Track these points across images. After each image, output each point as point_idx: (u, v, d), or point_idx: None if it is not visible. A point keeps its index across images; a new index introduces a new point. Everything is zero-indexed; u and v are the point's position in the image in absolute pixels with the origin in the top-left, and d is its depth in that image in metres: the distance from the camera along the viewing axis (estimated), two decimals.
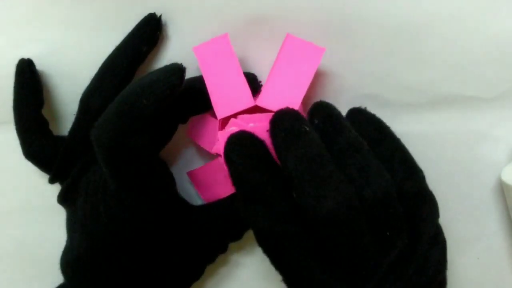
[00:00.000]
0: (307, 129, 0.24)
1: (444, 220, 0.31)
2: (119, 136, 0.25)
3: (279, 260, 0.24)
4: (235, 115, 0.28)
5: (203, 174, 0.32)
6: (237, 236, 0.31)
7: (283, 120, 0.24)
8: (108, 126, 0.25)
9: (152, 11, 0.30)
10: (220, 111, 0.28)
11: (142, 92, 0.25)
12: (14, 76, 0.31)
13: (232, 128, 0.28)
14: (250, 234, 0.31)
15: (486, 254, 0.31)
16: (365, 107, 0.28)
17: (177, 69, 0.25)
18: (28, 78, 0.31)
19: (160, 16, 0.30)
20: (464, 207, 0.31)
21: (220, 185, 0.31)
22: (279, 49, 0.28)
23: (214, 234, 0.30)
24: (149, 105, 0.25)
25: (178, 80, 0.25)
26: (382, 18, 0.29)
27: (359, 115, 0.27)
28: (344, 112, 0.28)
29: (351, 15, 0.30)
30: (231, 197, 0.31)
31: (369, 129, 0.27)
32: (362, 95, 0.31)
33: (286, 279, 0.25)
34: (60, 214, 0.32)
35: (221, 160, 0.30)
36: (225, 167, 0.30)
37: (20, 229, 0.35)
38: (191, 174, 0.32)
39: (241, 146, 0.24)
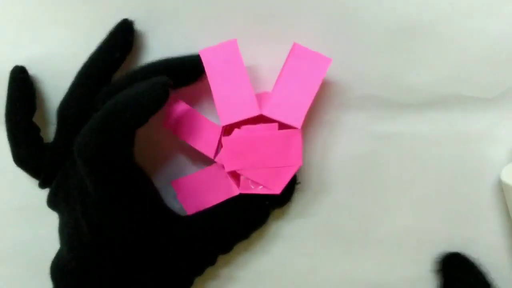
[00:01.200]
0: None
1: (445, 220, 0.31)
2: (102, 149, 0.25)
3: None
4: (238, 123, 0.28)
5: (188, 183, 0.32)
6: (226, 248, 0.30)
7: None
8: (91, 139, 0.25)
9: (150, 14, 0.30)
10: (224, 117, 0.28)
11: (126, 106, 0.25)
12: (7, 84, 0.31)
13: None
14: (240, 247, 0.31)
15: (486, 254, 0.31)
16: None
17: (162, 84, 0.25)
18: (20, 86, 0.31)
19: (133, 21, 0.30)
20: (464, 207, 0.31)
21: (205, 195, 0.31)
22: (286, 58, 0.28)
23: (203, 245, 0.29)
24: (133, 121, 0.25)
25: (163, 95, 0.25)
26: (382, 18, 0.29)
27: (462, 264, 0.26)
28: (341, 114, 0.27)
29: (351, 16, 0.30)
30: (218, 207, 0.30)
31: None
32: (362, 95, 0.31)
33: None
34: (56, 215, 0.31)
35: (217, 167, 0.29)
36: (215, 176, 0.29)
37: (17, 230, 0.35)
38: (175, 184, 0.32)
39: None
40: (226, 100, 0.28)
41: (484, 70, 0.29)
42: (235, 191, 0.30)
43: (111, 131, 0.25)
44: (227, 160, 0.28)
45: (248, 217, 0.30)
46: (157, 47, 0.31)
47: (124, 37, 0.30)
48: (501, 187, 0.30)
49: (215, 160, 0.30)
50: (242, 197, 0.29)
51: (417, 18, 0.29)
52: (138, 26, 0.31)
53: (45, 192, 0.32)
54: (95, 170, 0.26)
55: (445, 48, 0.29)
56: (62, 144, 0.30)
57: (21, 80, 0.31)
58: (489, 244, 0.31)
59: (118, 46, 0.30)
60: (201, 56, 0.28)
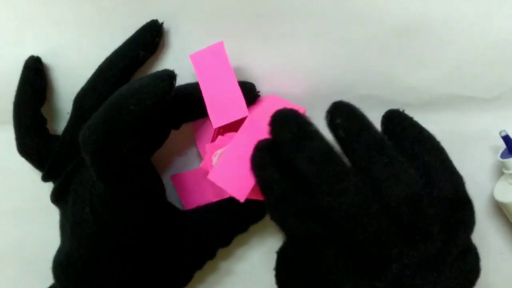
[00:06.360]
0: (315, 129, 0.24)
1: None
2: (105, 141, 0.25)
3: (318, 261, 0.24)
4: (230, 124, 0.28)
5: (188, 179, 0.32)
6: (225, 242, 0.31)
7: (289, 122, 0.24)
8: (95, 130, 0.25)
9: (152, 12, 0.31)
10: (215, 120, 0.28)
11: (130, 97, 0.25)
12: (20, 72, 0.31)
13: (218, 152, 0.27)
14: (239, 241, 0.31)
15: (486, 255, 0.31)
16: (403, 110, 0.27)
17: (167, 76, 0.25)
18: (32, 75, 0.31)
19: (162, 23, 0.31)
20: None
21: (204, 193, 0.31)
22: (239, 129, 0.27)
23: (202, 239, 0.30)
24: (137, 111, 0.25)
25: (167, 87, 0.25)
26: (382, 18, 0.30)
27: (397, 118, 0.27)
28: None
29: (351, 16, 0.30)
30: (219, 203, 0.30)
31: (408, 132, 0.26)
32: (362, 95, 0.31)
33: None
34: (57, 214, 0.32)
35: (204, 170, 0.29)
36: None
37: (18, 229, 0.35)
38: (174, 178, 0.32)
39: (267, 153, 0.24)
40: (216, 102, 0.28)
41: (484, 70, 0.30)
42: None
43: (115, 123, 0.25)
44: (211, 167, 0.28)
45: (247, 210, 0.30)
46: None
47: (150, 37, 0.30)
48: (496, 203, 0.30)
49: (201, 166, 0.29)
50: None
51: (417, 19, 0.29)
52: (137, 25, 0.31)
53: (44, 192, 0.32)
54: (98, 162, 0.26)
55: (445, 48, 0.30)
56: (74, 134, 0.30)
57: (33, 70, 0.31)
58: (489, 245, 0.31)
59: (143, 45, 0.30)
60: (191, 60, 0.28)
